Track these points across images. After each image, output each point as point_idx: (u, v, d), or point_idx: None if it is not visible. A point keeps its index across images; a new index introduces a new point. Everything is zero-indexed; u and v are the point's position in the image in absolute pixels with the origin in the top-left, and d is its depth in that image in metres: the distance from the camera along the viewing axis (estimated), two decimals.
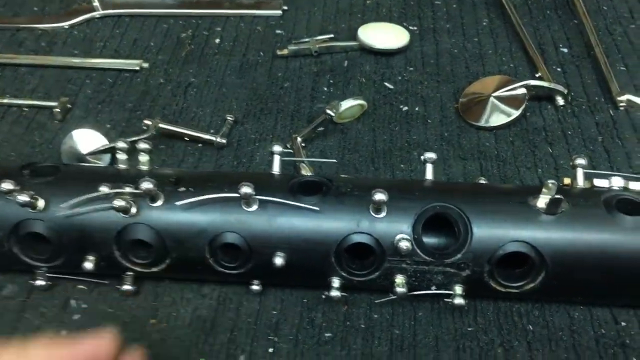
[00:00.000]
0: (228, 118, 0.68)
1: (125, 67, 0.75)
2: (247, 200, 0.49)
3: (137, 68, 0.75)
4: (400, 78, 0.74)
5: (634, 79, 0.72)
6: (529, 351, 0.49)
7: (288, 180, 0.51)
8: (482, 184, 0.55)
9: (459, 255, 0.48)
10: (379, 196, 0.47)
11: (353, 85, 0.73)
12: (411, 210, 0.49)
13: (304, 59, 0.77)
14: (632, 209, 0.48)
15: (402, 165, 0.64)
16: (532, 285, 0.49)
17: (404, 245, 0.47)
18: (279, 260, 0.49)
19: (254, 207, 0.49)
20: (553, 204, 0.47)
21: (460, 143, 0.66)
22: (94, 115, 0.70)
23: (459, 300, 0.49)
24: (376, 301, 0.52)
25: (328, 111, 0.65)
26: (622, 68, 0.73)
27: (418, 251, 0.48)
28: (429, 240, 0.50)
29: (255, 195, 0.48)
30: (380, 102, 0.71)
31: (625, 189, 0.51)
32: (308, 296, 0.54)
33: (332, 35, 0.78)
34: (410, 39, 0.77)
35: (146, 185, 0.48)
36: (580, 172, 0.52)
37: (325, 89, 0.73)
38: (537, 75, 0.71)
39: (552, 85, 0.68)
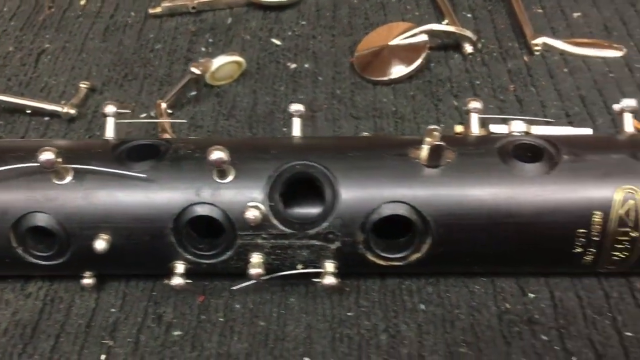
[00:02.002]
0: (82, 85, 0.58)
1: None
2: (55, 170, 0.39)
3: None
4: (290, 33, 0.64)
5: (551, 22, 0.63)
6: (419, 335, 0.40)
7: (115, 146, 0.41)
8: (353, 137, 0.46)
9: (325, 224, 0.39)
10: (217, 155, 0.37)
11: (236, 44, 0.64)
12: (264, 172, 0.39)
13: (182, 17, 0.67)
14: (534, 156, 0.40)
15: (284, 129, 0.55)
16: (417, 255, 0.40)
17: (252, 214, 0.38)
18: (100, 245, 0.39)
19: (67, 180, 0.39)
20: (433, 154, 0.38)
21: (354, 100, 0.57)
22: None
23: (329, 280, 0.40)
24: (232, 288, 0.43)
25: (193, 69, 0.55)
26: (538, 10, 0.65)
27: (274, 221, 0.39)
28: (298, 210, 0.41)
29: (66, 164, 0.38)
30: (265, 60, 0.61)
31: (527, 134, 0.42)
32: (158, 288, 0.44)
33: None
34: None
35: None
36: (474, 118, 0.44)
37: (203, 49, 0.63)
38: (443, 23, 0.63)
39: (458, 30, 0.59)
